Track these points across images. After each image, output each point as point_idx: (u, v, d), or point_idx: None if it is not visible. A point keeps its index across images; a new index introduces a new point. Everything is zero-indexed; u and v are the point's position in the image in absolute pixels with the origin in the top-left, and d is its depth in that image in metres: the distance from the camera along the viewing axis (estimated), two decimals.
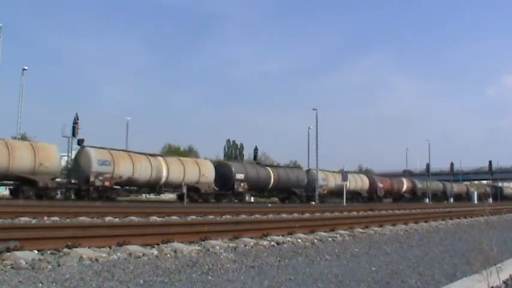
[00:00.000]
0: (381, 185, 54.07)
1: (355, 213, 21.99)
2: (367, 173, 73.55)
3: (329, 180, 47.23)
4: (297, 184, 43.19)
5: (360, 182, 51.92)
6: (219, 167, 37.84)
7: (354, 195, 49.79)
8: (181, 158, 35.67)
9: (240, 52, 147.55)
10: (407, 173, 77.59)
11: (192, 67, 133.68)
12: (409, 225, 14.38)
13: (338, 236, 10.29)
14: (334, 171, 50.62)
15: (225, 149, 79.44)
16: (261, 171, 40.12)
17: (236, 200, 36.43)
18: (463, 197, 71.35)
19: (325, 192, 45.80)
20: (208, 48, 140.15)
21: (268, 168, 41.65)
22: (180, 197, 33.97)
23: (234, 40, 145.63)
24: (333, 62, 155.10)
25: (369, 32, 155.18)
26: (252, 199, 44.47)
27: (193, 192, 33.65)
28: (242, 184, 37.00)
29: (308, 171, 46.85)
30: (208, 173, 35.46)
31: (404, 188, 59.76)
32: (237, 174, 36.74)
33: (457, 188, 72.81)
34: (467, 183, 79.30)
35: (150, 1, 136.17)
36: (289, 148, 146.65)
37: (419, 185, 62.91)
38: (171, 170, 32.91)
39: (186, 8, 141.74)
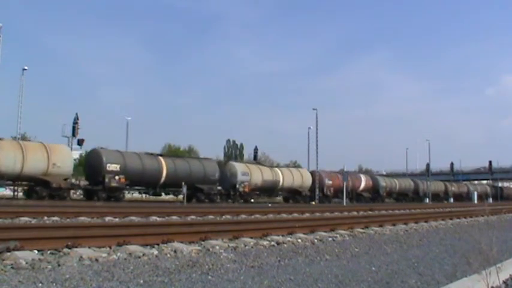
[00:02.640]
0: (329, 182, 45.71)
1: (355, 213, 22.03)
2: (367, 172, 73.41)
3: (253, 175, 38.29)
4: (203, 179, 34.61)
5: (299, 178, 43.21)
6: (87, 155, 31.84)
7: (292, 194, 42.80)
8: (23, 142, 27.99)
9: (240, 52, 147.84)
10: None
11: (192, 67, 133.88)
12: (409, 225, 14.38)
13: (338, 236, 10.29)
14: (264, 165, 43.61)
15: (225, 149, 79.53)
16: (147, 162, 31.98)
17: (112, 199, 29.11)
18: (442, 197, 66.12)
19: (246, 189, 37.34)
20: (208, 48, 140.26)
21: (160, 159, 33.32)
22: (27, 194, 27.62)
23: (234, 40, 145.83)
24: (333, 61, 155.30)
25: (369, 31, 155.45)
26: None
27: (41, 187, 26.50)
28: (117, 177, 29.27)
29: (225, 163, 39.37)
30: (63, 162, 27.56)
31: (362, 186, 50.87)
32: (109, 165, 29.20)
33: (433, 186, 64.33)
34: (465, 182, 77.75)
35: (150, 1, 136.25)
36: (289, 148, 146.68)
37: (382, 183, 53.87)
38: (2, 156, 24.95)
39: (186, 7, 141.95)
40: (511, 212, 23.14)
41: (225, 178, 36.96)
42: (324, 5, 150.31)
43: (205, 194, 34.70)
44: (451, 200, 65.97)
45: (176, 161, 34.43)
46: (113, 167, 29.46)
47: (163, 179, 32.34)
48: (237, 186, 36.66)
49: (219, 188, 36.72)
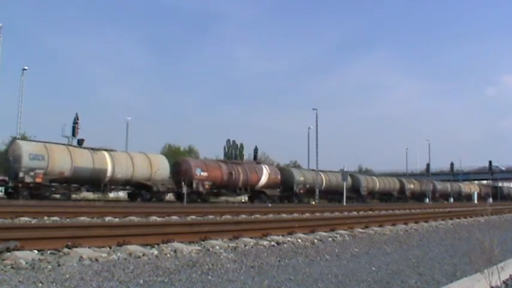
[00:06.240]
0: (201, 174, 33.13)
1: (355, 213, 22.05)
2: (367, 173, 73.25)
3: (53, 160, 26.61)
4: None
5: (146, 167, 30.99)
6: None
7: (137, 189, 31.17)
8: None
9: (240, 52, 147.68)
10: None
11: (192, 67, 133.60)
12: (409, 225, 14.38)
13: (338, 236, 10.28)
14: (81, 147, 30.79)
15: (225, 149, 79.31)
16: None
17: None
18: (398, 197, 55.13)
19: (38, 180, 25.74)
20: (208, 48, 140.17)
21: None
22: None
23: (233, 40, 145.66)
24: (333, 61, 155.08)
25: (369, 31, 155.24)
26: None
27: None
28: None
29: (11, 143, 27.66)
30: None
31: (263, 180, 38.28)
32: None
33: (383, 183, 53.22)
34: (429, 180, 65.07)
35: (150, 1, 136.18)
36: (289, 148, 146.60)
37: (299, 177, 41.37)
38: None
39: (186, 7, 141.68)
40: (510, 213, 23.16)
41: (8, 164, 26.20)
42: (324, 4, 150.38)
43: None
44: (451, 200, 66.00)
45: None
46: None
47: None
48: (21, 175, 25.00)
49: (5, 177, 26.51)
